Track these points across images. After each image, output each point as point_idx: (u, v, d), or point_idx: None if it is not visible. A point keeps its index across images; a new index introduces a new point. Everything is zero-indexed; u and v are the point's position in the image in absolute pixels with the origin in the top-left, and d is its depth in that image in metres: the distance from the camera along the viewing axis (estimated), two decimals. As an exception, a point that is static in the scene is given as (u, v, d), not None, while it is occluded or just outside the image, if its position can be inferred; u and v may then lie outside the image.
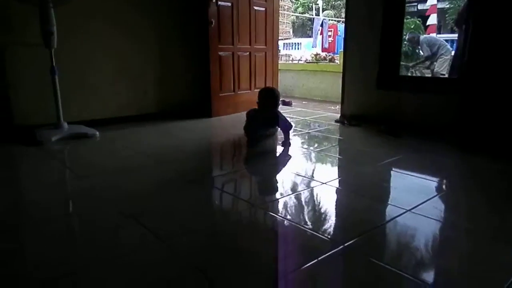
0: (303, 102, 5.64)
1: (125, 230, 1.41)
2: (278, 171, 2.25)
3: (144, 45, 3.59)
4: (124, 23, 3.42)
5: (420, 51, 7.20)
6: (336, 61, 7.95)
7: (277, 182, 2.03)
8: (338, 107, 3.89)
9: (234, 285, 1.08)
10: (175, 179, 2.00)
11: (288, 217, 1.54)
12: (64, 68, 2.99)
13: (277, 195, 1.79)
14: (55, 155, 2.46)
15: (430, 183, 2.04)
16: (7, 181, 2.05)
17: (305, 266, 1.17)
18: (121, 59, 3.46)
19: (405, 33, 6.51)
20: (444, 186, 1.91)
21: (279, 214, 1.57)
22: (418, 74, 6.99)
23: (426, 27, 10.17)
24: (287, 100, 4.98)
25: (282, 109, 4.57)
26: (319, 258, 1.21)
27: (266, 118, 2.83)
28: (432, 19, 10.34)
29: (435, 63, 6.74)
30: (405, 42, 7.01)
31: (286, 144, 2.72)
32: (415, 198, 1.73)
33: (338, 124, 3.54)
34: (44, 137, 2.72)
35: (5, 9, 2.79)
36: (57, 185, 1.94)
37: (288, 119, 2.95)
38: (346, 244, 1.30)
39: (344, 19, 3.69)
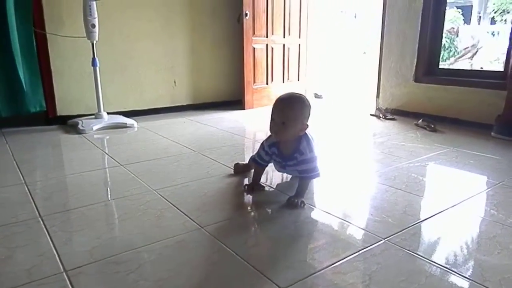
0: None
1: (168, 214, 1.46)
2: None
3: (178, 36, 3.63)
4: (159, 15, 3.48)
5: (458, 43, 6.93)
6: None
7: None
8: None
9: (275, 270, 1.09)
10: (211, 167, 2.03)
11: (328, 210, 1.53)
12: (103, 60, 3.08)
13: (317, 189, 1.78)
14: (97, 144, 2.56)
15: (473, 179, 1.97)
16: (54, 166, 2.15)
17: (346, 259, 1.17)
18: (156, 52, 3.52)
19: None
20: (488, 183, 1.84)
21: (318, 207, 1.57)
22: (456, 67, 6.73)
23: (467, 18, 9.75)
24: (319, 93, 4.92)
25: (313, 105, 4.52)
26: (360, 252, 1.21)
27: (280, 154, 1.63)
28: (473, 10, 9.90)
29: (474, 56, 6.48)
30: (444, 34, 6.75)
31: (293, 203, 1.53)
32: (457, 195, 1.68)
33: (373, 117, 3.48)
34: (86, 126, 2.82)
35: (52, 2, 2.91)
36: (101, 171, 2.02)
37: (316, 160, 1.61)
38: (388, 238, 1.29)
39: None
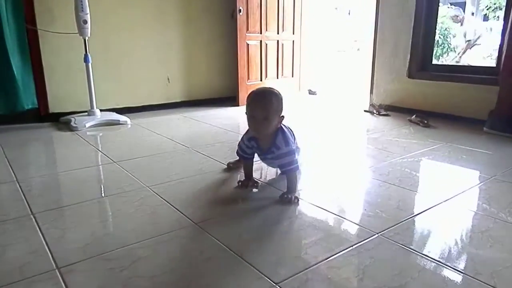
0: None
1: (162, 210, 1.45)
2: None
3: (171, 33, 3.61)
4: (153, 12, 3.45)
5: (452, 39, 6.92)
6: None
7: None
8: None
9: (269, 265, 1.09)
10: (205, 163, 2.02)
11: (322, 205, 1.54)
12: (96, 56, 3.05)
13: (311, 184, 1.78)
14: (90, 141, 2.53)
15: (465, 174, 1.99)
16: (46, 163, 2.13)
17: (340, 253, 1.17)
18: (150, 48, 3.50)
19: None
20: (481, 178, 1.85)
21: (312, 202, 1.57)
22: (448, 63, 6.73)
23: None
24: (313, 89, 4.91)
25: (305, 102, 4.53)
26: (354, 246, 1.21)
27: (258, 147, 1.66)
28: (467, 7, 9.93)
29: (468, 51, 6.49)
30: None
31: (286, 199, 1.54)
32: (450, 189, 1.69)
33: (367, 113, 3.48)
34: (78, 123, 2.80)
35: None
36: (94, 168, 2.00)
37: (296, 153, 1.65)
38: (381, 233, 1.29)
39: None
